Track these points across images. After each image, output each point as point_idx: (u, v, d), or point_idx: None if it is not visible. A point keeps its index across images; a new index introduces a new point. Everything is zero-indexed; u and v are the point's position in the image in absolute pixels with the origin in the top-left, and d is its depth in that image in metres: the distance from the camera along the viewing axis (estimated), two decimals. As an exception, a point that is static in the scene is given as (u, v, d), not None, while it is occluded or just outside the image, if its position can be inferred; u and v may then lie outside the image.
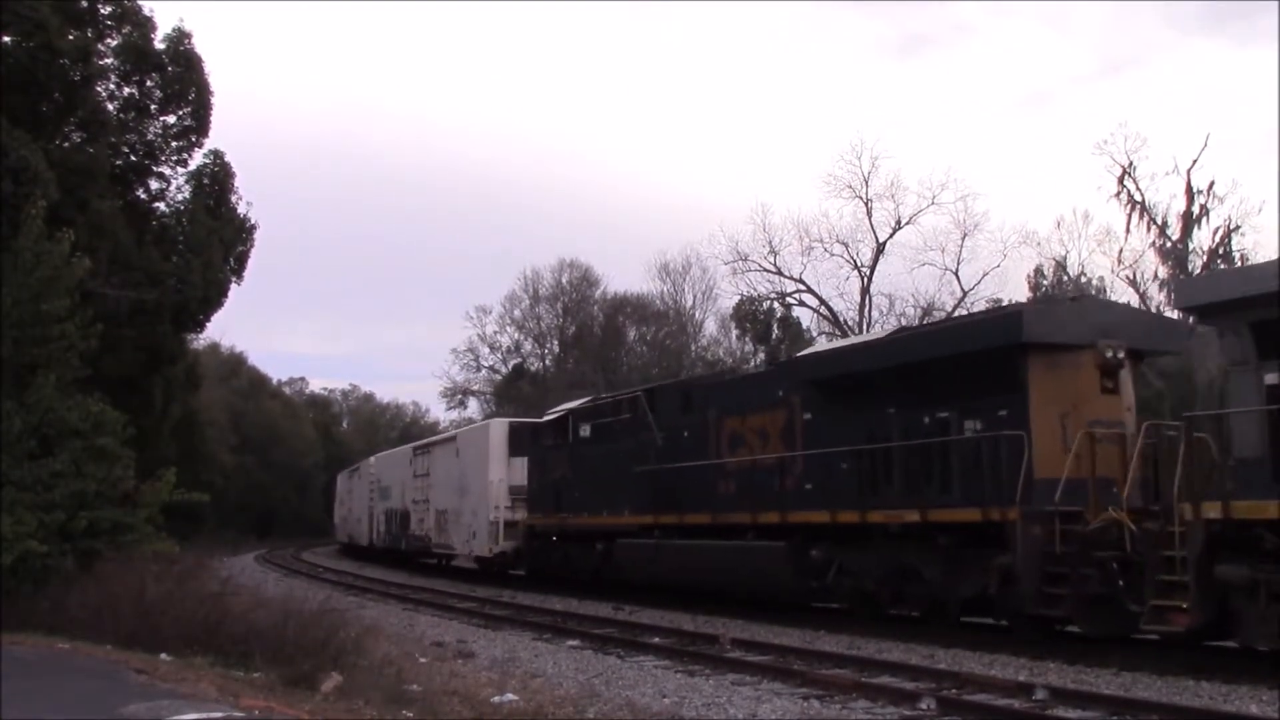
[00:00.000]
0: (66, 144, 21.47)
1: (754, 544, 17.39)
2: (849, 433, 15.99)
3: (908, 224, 45.29)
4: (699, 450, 19.33)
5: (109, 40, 23.50)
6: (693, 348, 57.32)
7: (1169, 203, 39.30)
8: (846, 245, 45.94)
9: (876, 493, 15.44)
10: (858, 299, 46.26)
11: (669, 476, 19.85)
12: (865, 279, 46.06)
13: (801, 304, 48.47)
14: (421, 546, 35.15)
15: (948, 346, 15.05)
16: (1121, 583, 12.39)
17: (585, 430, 23.42)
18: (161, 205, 25.61)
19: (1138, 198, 39.14)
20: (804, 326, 50.27)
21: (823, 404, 16.77)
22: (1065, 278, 41.43)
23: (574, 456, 23.58)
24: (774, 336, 50.93)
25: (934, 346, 15.33)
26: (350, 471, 52.55)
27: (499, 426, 29.21)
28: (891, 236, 45.62)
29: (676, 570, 19.70)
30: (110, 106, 23.47)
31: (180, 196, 25.38)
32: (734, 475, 18.47)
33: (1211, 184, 38.16)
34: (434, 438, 37.81)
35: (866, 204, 45.56)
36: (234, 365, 76.84)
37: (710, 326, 58.94)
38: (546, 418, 25.87)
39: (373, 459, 46.85)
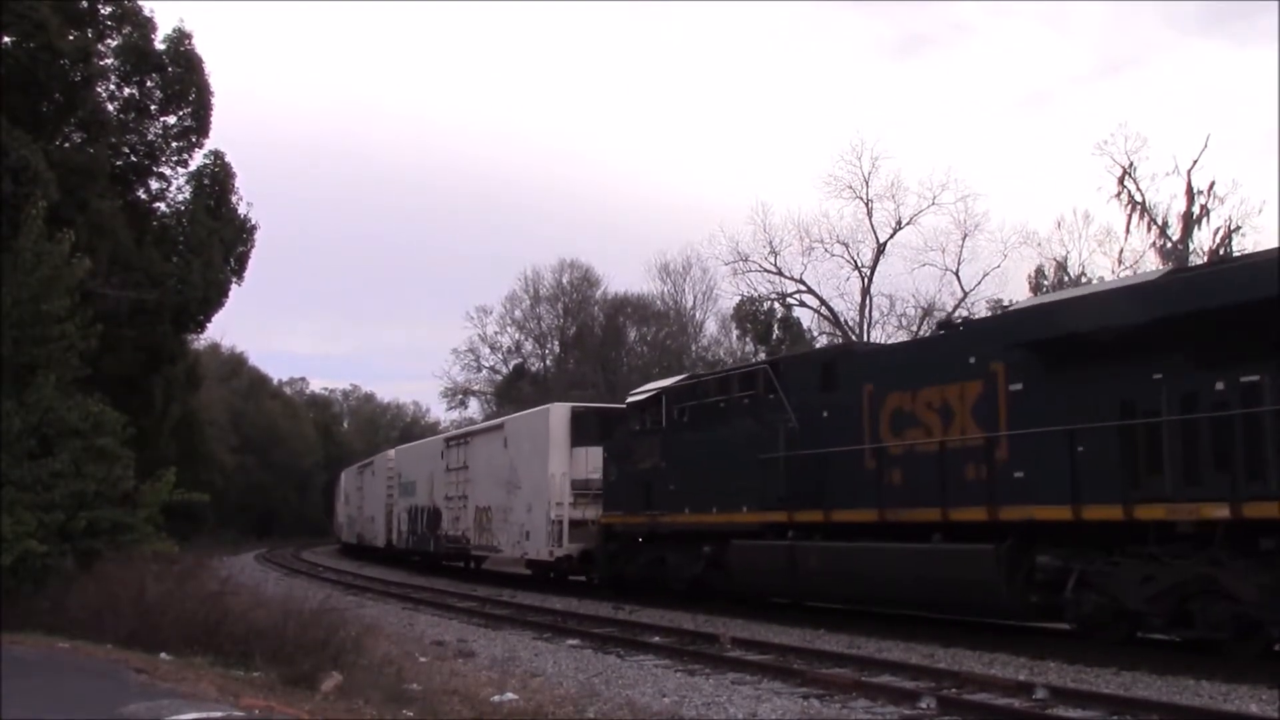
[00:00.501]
0: (66, 144, 21.48)
1: (947, 548, 14.00)
2: (1086, 405, 12.59)
3: (908, 224, 45.29)
4: (847, 433, 16.08)
5: (109, 41, 23.52)
6: (693, 348, 57.31)
7: (1169, 203, 39.25)
8: (847, 245, 45.96)
9: (1137, 483, 12.00)
10: (858, 299, 46.28)
11: (809, 465, 16.50)
12: (866, 279, 46.07)
13: (802, 304, 48.49)
14: (457, 548, 31.61)
15: (1269, 285, 10.88)
16: None
17: (684, 413, 20.01)
18: (162, 205, 25.65)
19: (1138, 198, 39.07)
20: (804, 327, 50.31)
21: (1040, 371, 13.35)
22: (1066, 278, 41.41)
23: (669, 444, 20.13)
24: (774, 337, 50.93)
25: (1245, 287, 11.27)
26: (361, 467, 49.47)
27: (560, 411, 25.35)
28: (892, 237, 45.62)
29: (823, 578, 16.24)
30: (110, 107, 23.49)
31: (180, 197, 25.42)
32: (903, 462, 15.17)
33: (1212, 184, 38.09)
34: (473, 426, 33.93)
35: (867, 204, 45.56)
36: (234, 365, 76.93)
37: (711, 327, 59.00)
38: (631, 399, 22.32)
39: (392, 452, 43.41)
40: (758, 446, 17.44)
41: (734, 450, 18.15)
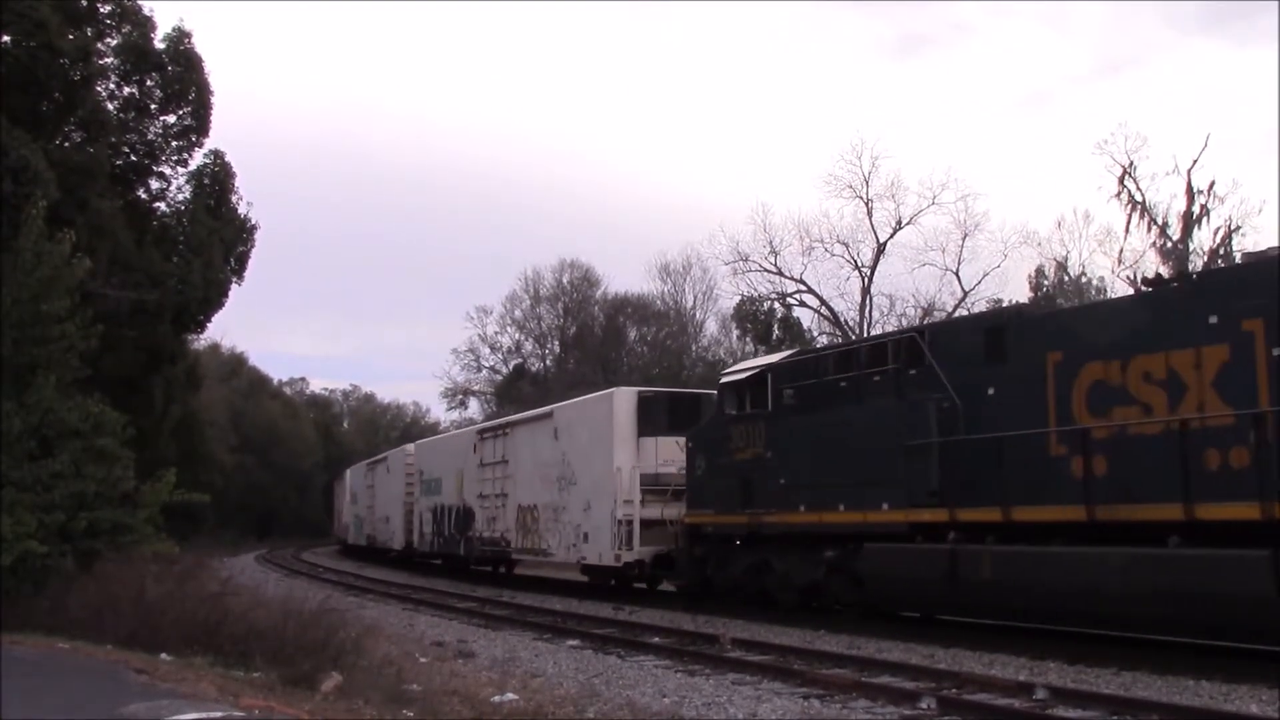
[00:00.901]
0: (66, 144, 21.48)
1: (1197, 553, 11.33)
2: None
3: (908, 224, 45.27)
4: (1023, 412, 13.53)
5: (109, 40, 23.53)
6: (693, 348, 57.32)
7: (1169, 203, 39.23)
8: (847, 245, 45.95)
9: None
10: (858, 299, 46.28)
11: (973, 453, 13.93)
12: (866, 279, 46.06)
13: (802, 304, 48.49)
14: (495, 551, 28.47)
15: None
16: None
17: (796, 394, 17.26)
18: (162, 205, 25.66)
19: (1138, 198, 39.06)
20: (805, 326, 50.35)
21: None
22: (1066, 278, 41.41)
23: (777, 430, 17.33)
24: (774, 336, 50.96)
25: None
26: (373, 463, 46.33)
27: (625, 397, 22.40)
28: (892, 237, 45.60)
29: (1001, 591, 13.27)
30: (110, 106, 23.49)
31: (180, 196, 25.43)
32: (1110, 448, 12.55)
33: (1212, 184, 38.05)
34: (512, 416, 30.13)
35: (867, 204, 45.55)
36: (234, 365, 76.95)
37: (711, 327, 58.98)
38: (726, 379, 19.47)
39: (411, 446, 40.41)
40: (901, 431, 14.79)
41: (867, 436, 15.46)
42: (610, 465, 21.57)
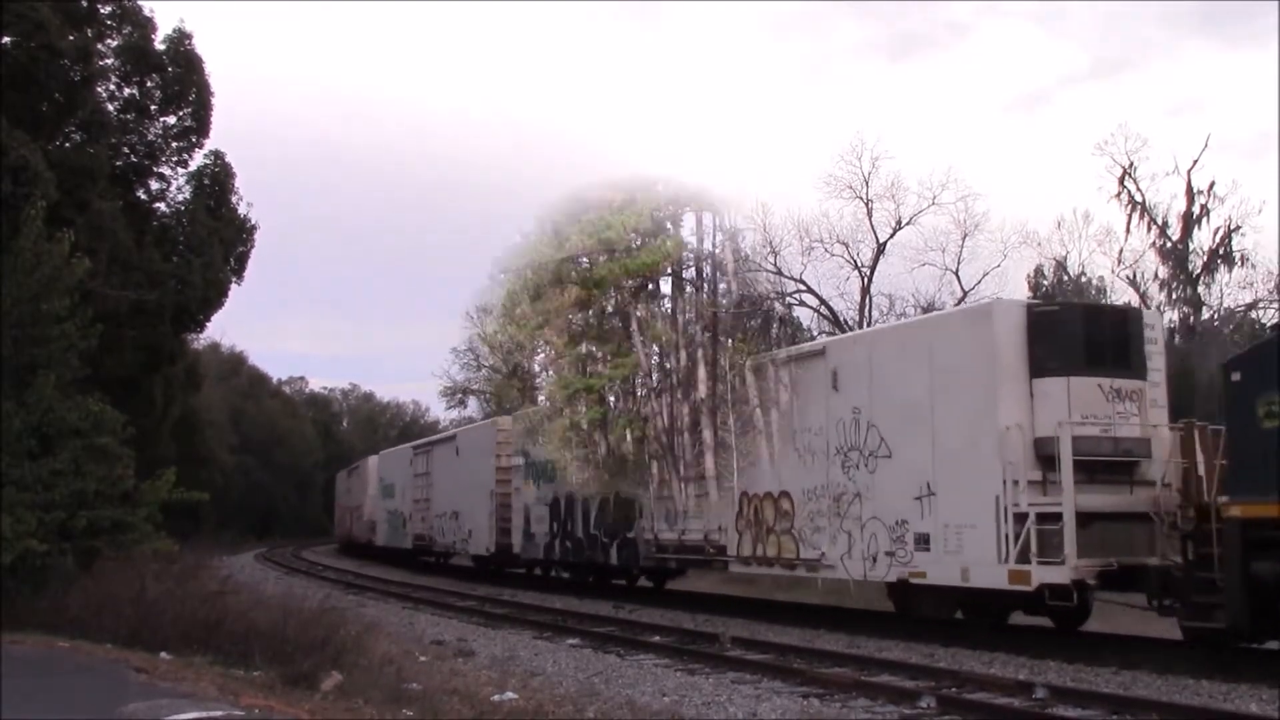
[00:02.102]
0: (66, 144, 21.47)
1: None
2: None
3: (908, 224, 45.19)
4: None
5: (109, 40, 23.53)
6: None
7: (1169, 203, 39.22)
8: (847, 245, 45.83)
9: None
10: (858, 299, 46.28)
11: None
12: (866, 279, 46.03)
13: (802, 304, 48.47)
14: (687, 560, 20.37)
15: None
16: None
17: None
18: (162, 205, 25.66)
19: (1138, 198, 39.06)
20: (804, 326, 50.34)
21: None
22: (1065, 278, 41.39)
23: None
24: (773, 335, 50.92)
25: None
26: (423, 446, 38.26)
27: (1010, 313, 14.14)
28: (892, 237, 45.40)
29: None
30: (110, 107, 23.49)
31: (180, 197, 25.44)
32: None
33: (1212, 184, 38.04)
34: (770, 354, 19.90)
35: (867, 204, 45.38)
36: (234, 365, 76.94)
37: (711, 327, 58.94)
38: None
39: (506, 420, 31.16)
40: None
41: None
42: (991, 423, 13.55)
